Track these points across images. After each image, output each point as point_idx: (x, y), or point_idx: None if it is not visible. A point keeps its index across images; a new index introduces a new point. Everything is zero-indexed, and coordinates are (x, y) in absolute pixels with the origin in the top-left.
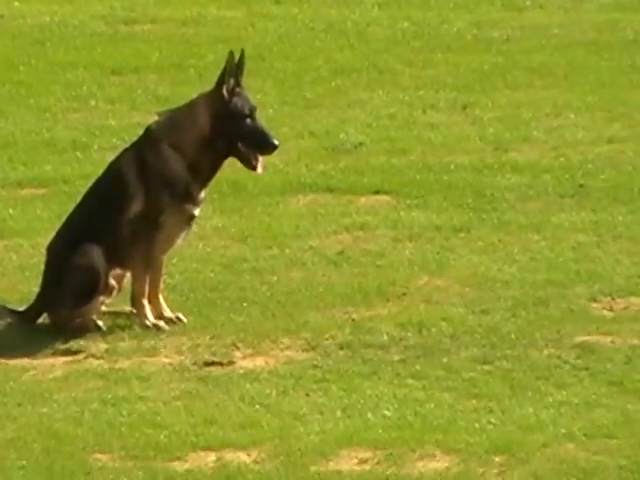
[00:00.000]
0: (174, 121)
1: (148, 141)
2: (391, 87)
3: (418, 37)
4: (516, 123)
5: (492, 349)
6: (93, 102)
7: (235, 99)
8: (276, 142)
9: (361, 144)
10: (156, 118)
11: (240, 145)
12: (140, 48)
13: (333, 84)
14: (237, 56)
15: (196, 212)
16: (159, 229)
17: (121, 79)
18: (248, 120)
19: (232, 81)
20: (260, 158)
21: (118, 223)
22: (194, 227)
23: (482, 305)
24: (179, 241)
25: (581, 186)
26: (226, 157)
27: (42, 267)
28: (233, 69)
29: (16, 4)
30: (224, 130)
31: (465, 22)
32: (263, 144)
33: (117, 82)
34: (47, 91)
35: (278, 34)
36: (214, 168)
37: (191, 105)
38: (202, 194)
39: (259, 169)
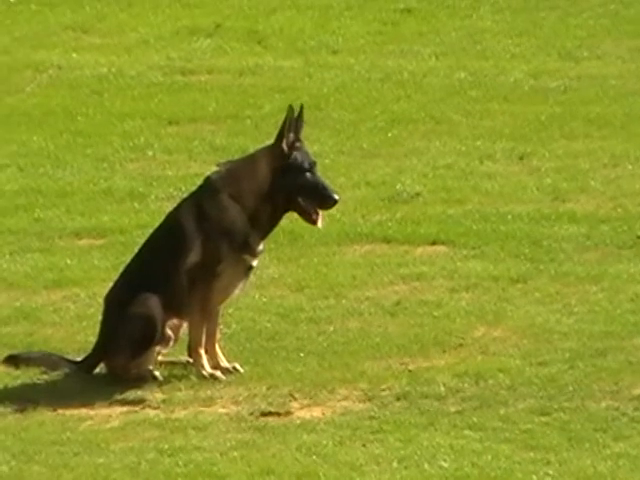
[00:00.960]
0: (234, 172)
1: (207, 191)
2: (448, 137)
3: (475, 87)
4: (574, 173)
5: (550, 401)
6: (150, 152)
7: (295, 154)
8: (336, 197)
9: (418, 194)
10: (215, 168)
11: (300, 199)
12: (197, 98)
13: (390, 134)
14: (297, 110)
15: (254, 263)
16: (217, 279)
17: (178, 129)
18: (308, 174)
19: (292, 135)
20: (320, 212)
21: (176, 273)
22: (251, 278)
23: (539, 356)
24: (236, 291)
25: (639, 237)
26: (286, 211)
27: (99, 317)
28: (293, 123)
29: (74, 55)
30: (284, 184)
31: (522, 72)
32: (323, 199)
33: (174, 132)
34: (105, 141)
35: (335, 84)
36: (273, 221)
37: (252, 157)
38: (261, 246)
39: (319, 223)
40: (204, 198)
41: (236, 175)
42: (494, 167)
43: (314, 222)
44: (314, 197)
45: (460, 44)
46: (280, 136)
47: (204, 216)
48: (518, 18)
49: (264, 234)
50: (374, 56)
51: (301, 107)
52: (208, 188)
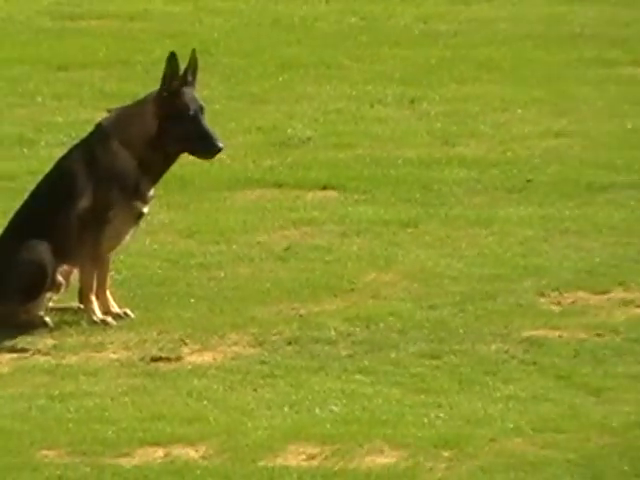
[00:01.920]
0: (124, 118)
1: (98, 137)
2: (339, 82)
3: (365, 32)
4: (463, 117)
5: (440, 344)
6: (40, 98)
7: (179, 100)
8: (221, 145)
9: (308, 139)
10: (106, 114)
11: (186, 147)
12: (86, 44)
13: (280, 79)
14: (183, 56)
15: (145, 210)
16: (107, 225)
17: (68, 75)
18: (193, 121)
19: (175, 82)
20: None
21: (66, 219)
22: (142, 225)
23: (430, 300)
24: (127, 238)
25: (528, 181)
26: (176, 156)
27: None
28: (174, 71)
29: None
30: (169, 131)
31: (412, 16)
32: (208, 146)
33: (63, 78)
34: None
35: (225, 29)
36: (163, 166)
37: (140, 103)
38: (151, 192)
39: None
40: (94, 144)
41: (125, 121)
42: (385, 111)
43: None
44: (199, 145)
45: None
46: (162, 83)
47: (95, 162)
48: None
49: (155, 180)
50: (264, 1)
51: (193, 52)
52: (98, 134)
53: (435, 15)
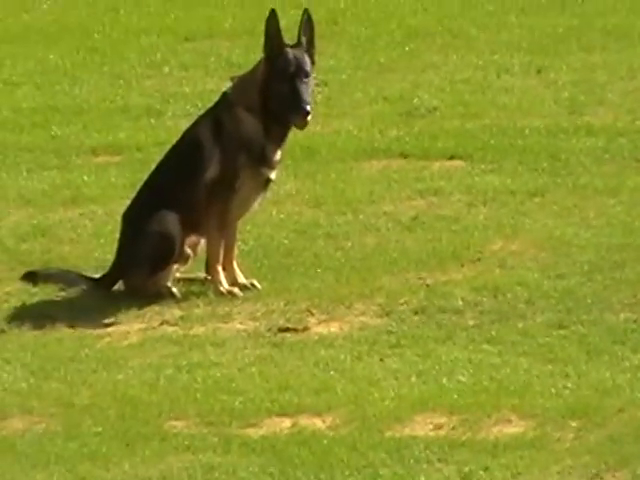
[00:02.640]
0: (245, 83)
1: (223, 106)
2: (465, 51)
3: (492, 0)
4: (591, 86)
5: (568, 313)
6: (167, 69)
7: (278, 61)
8: (307, 108)
9: (435, 109)
10: (230, 83)
11: (279, 108)
12: (213, 14)
13: (407, 48)
14: (302, 16)
15: (272, 175)
16: (235, 193)
17: (194, 45)
18: (286, 83)
19: (276, 42)
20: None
21: (194, 189)
22: (269, 192)
23: (558, 269)
24: (255, 205)
25: None
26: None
27: (117, 234)
28: (274, 30)
29: None
30: (270, 91)
31: None
32: (295, 108)
33: (190, 48)
34: (121, 58)
35: None
36: (283, 129)
37: (255, 67)
38: (277, 156)
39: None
40: (220, 113)
41: (246, 86)
42: (511, 81)
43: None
44: (287, 106)
45: None
46: (264, 43)
47: (221, 131)
48: None
49: (279, 143)
50: None
51: (304, 11)
52: (223, 103)
53: None
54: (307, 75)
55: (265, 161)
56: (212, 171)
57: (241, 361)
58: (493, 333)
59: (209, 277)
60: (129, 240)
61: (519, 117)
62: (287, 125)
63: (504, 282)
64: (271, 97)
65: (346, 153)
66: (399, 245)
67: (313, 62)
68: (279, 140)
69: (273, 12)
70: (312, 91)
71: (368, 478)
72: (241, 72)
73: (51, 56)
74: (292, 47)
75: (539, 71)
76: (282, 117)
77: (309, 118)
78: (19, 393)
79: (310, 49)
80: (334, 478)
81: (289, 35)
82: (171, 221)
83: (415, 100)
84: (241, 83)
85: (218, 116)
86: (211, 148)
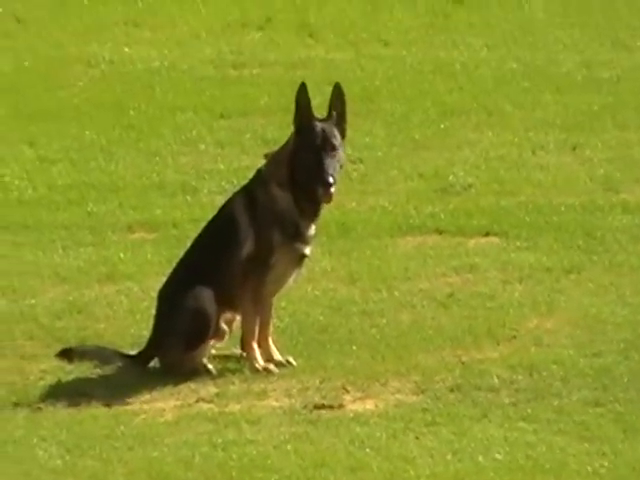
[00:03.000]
0: (277, 159)
1: (257, 182)
2: (500, 128)
3: (527, 78)
4: (627, 163)
5: (604, 392)
6: (202, 146)
7: (305, 133)
8: (330, 180)
9: (470, 185)
10: (263, 160)
11: (304, 179)
12: (248, 91)
13: (442, 125)
14: (333, 90)
15: (307, 251)
16: (270, 270)
17: (230, 122)
18: (312, 154)
19: (305, 115)
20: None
21: (229, 266)
22: (304, 268)
23: (593, 347)
24: (290, 281)
25: None
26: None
27: (152, 311)
28: (304, 102)
29: (126, 49)
30: (297, 162)
31: (574, 63)
32: (318, 179)
33: (226, 125)
34: (157, 135)
35: (386, 76)
36: (315, 203)
37: (286, 141)
38: (312, 231)
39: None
40: (254, 190)
41: (278, 161)
42: (546, 158)
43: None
44: (311, 177)
45: (512, 35)
46: (294, 115)
47: (256, 208)
48: (570, 8)
49: (313, 218)
50: (425, 47)
51: (335, 85)
52: (257, 179)
53: (597, 61)
54: (334, 148)
55: (299, 237)
56: (247, 248)
57: (276, 438)
58: (529, 411)
59: (245, 354)
60: (165, 317)
61: (554, 194)
62: (315, 199)
63: (540, 360)
64: (298, 170)
65: (381, 230)
66: (434, 322)
67: (343, 136)
68: (312, 215)
69: (303, 85)
70: (339, 165)
71: None
72: (274, 149)
73: (87, 133)
74: (322, 120)
75: (574, 148)
76: (309, 190)
77: (332, 190)
78: (54, 470)
79: (340, 123)
80: None
81: (322, 111)
82: (206, 297)
83: (450, 177)
84: (273, 159)
85: (252, 193)
86: (246, 225)
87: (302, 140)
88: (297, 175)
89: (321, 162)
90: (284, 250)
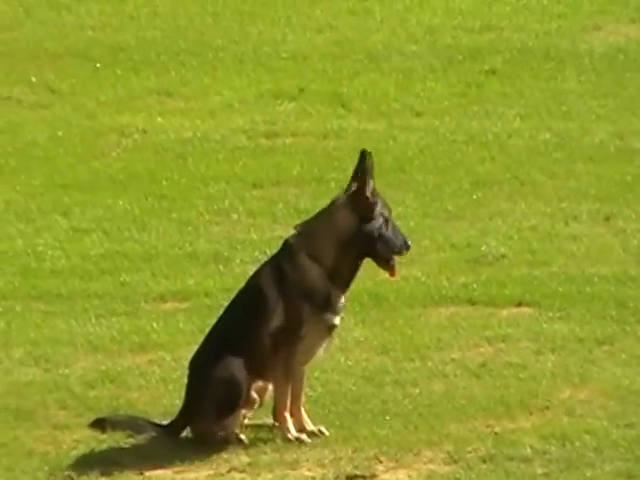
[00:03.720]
0: (312, 231)
1: (286, 254)
2: (533, 198)
3: (560, 148)
4: None
5: (637, 463)
6: (235, 216)
7: (377, 200)
8: (409, 242)
9: (503, 256)
10: (293, 231)
11: (379, 248)
12: (281, 161)
13: (474, 196)
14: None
15: (336, 321)
16: (300, 341)
17: (262, 193)
18: (389, 221)
19: (371, 183)
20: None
21: (259, 336)
22: (335, 339)
23: (626, 418)
24: (320, 352)
25: None
26: (361, 259)
27: (185, 381)
28: (372, 169)
29: (159, 119)
30: (368, 233)
31: (607, 133)
32: (401, 245)
33: (258, 196)
34: (189, 205)
35: (419, 146)
36: (353, 272)
37: (329, 212)
38: (342, 300)
39: (396, 273)
40: (283, 262)
41: (314, 233)
42: (579, 228)
43: (392, 271)
44: (393, 244)
45: (544, 105)
46: (362, 183)
47: (284, 280)
48: (603, 79)
49: (344, 288)
50: (458, 118)
51: (367, 155)
52: (286, 251)
53: (631, 132)
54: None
55: (330, 307)
56: (276, 320)
57: None
58: None
59: (277, 423)
60: (196, 387)
61: (587, 265)
62: (356, 268)
63: (572, 430)
64: (364, 235)
65: (414, 300)
66: (467, 392)
67: None
68: (344, 286)
69: (367, 153)
70: None
71: None
72: (306, 219)
73: (120, 203)
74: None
75: (607, 219)
76: (377, 255)
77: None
78: None
79: None
80: None
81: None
82: (236, 366)
83: (483, 247)
84: (307, 230)
85: (281, 265)
86: (274, 298)
87: (373, 205)
88: (367, 241)
89: (397, 227)
90: (314, 322)
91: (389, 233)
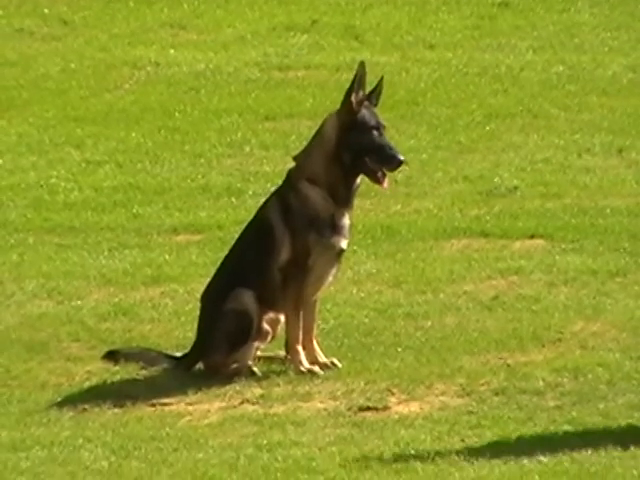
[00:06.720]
0: (308, 153)
1: (288, 184)
2: (546, 131)
3: (573, 81)
4: None
5: None
6: (247, 148)
7: (364, 111)
8: (402, 157)
9: (515, 188)
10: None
11: (367, 159)
12: (294, 94)
13: (487, 128)
14: (377, 82)
15: (344, 245)
16: (310, 271)
17: (275, 125)
18: (375, 133)
19: (362, 93)
20: (386, 173)
21: (268, 268)
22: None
23: (639, 351)
24: (330, 279)
25: None
26: (357, 174)
27: (197, 313)
28: (363, 80)
29: (171, 52)
30: (351, 142)
31: (621, 66)
32: (389, 159)
33: (271, 128)
34: (202, 137)
35: (432, 79)
36: (349, 188)
37: (320, 127)
38: (347, 221)
39: (385, 184)
40: (286, 192)
41: (309, 155)
42: (592, 161)
43: (380, 182)
44: (381, 157)
45: (557, 38)
46: (349, 91)
47: (289, 210)
48: (616, 11)
49: (346, 206)
50: (471, 50)
51: (380, 79)
52: (288, 181)
53: None
54: (385, 130)
55: (335, 230)
56: (285, 254)
57: (321, 441)
58: (574, 414)
59: (289, 356)
60: (207, 320)
61: (600, 197)
62: (351, 182)
63: (585, 363)
64: (350, 147)
65: (426, 232)
66: (479, 325)
67: None
68: (346, 203)
69: (363, 63)
70: None
71: None
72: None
73: (132, 135)
74: (370, 103)
75: (620, 151)
76: (365, 169)
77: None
78: (100, 472)
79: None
80: None
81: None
82: (247, 298)
83: (496, 180)
84: (303, 155)
85: (284, 196)
86: (281, 230)
87: (360, 118)
88: (353, 153)
89: (386, 140)
90: (322, 248)
91: (376, 145)
